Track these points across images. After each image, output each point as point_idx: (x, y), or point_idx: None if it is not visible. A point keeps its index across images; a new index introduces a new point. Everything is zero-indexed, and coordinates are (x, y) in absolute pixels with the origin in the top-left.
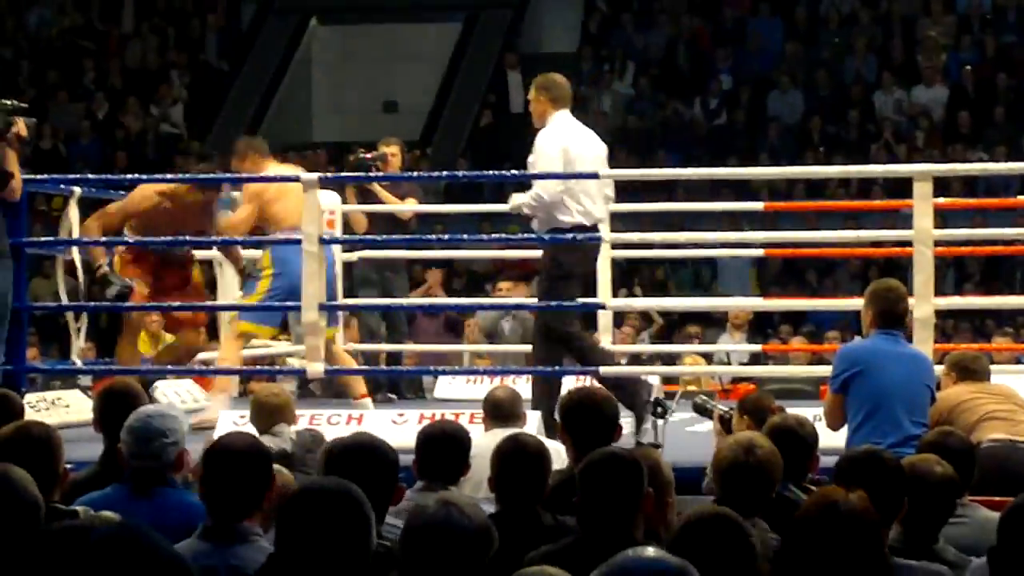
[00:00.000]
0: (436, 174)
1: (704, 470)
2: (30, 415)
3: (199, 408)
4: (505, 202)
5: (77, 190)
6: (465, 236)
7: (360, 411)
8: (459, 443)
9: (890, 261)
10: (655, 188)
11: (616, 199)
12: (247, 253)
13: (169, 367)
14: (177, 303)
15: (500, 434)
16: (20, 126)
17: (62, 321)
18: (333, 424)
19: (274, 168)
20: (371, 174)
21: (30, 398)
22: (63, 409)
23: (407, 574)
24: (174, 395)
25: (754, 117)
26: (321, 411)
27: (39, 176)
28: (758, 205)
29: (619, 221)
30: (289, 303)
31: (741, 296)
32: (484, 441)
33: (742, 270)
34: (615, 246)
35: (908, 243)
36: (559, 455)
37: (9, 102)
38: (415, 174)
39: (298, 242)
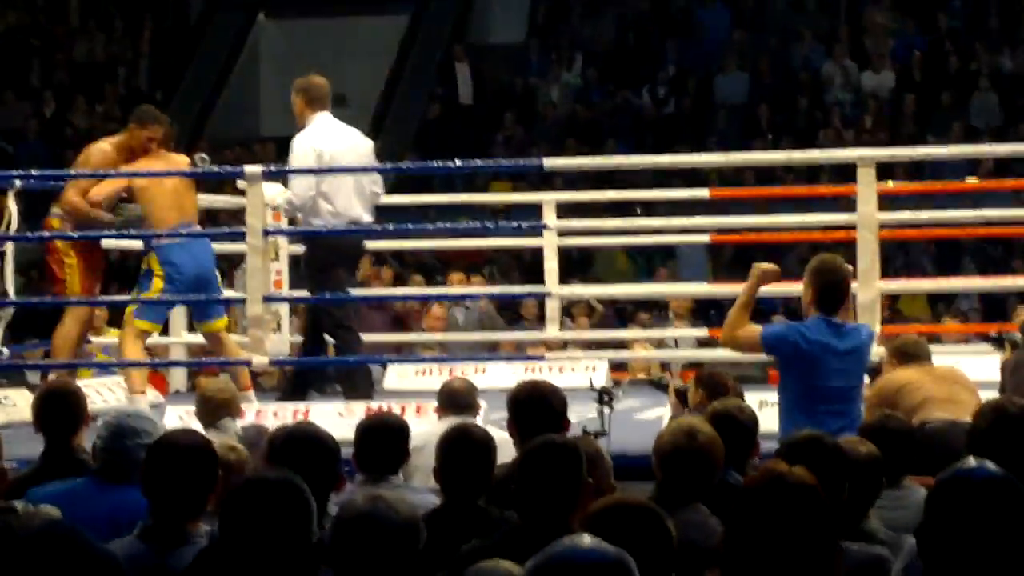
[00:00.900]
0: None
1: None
2: None
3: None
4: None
5: (16, 184)
6: (410, 225)
7: (307, 404)
8: (397, 434)
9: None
10: (604, 179)
11: (565, 189)
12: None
13: (104, 362)
14: (108, 298)
15: (453, 423)
16: None
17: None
18: (278, 418)
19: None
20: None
21: None
22: (9, 407)
23: (336, 566)
24: (96, 394)
25: (702, 105)
26: (266, 405)
27: None
28: (704, 192)
29: (570, 211)
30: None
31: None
32: (437, 430)
33: (699, 258)
34: (562, 234)
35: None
36: (509, 447)
37: None
38: (356, 167)
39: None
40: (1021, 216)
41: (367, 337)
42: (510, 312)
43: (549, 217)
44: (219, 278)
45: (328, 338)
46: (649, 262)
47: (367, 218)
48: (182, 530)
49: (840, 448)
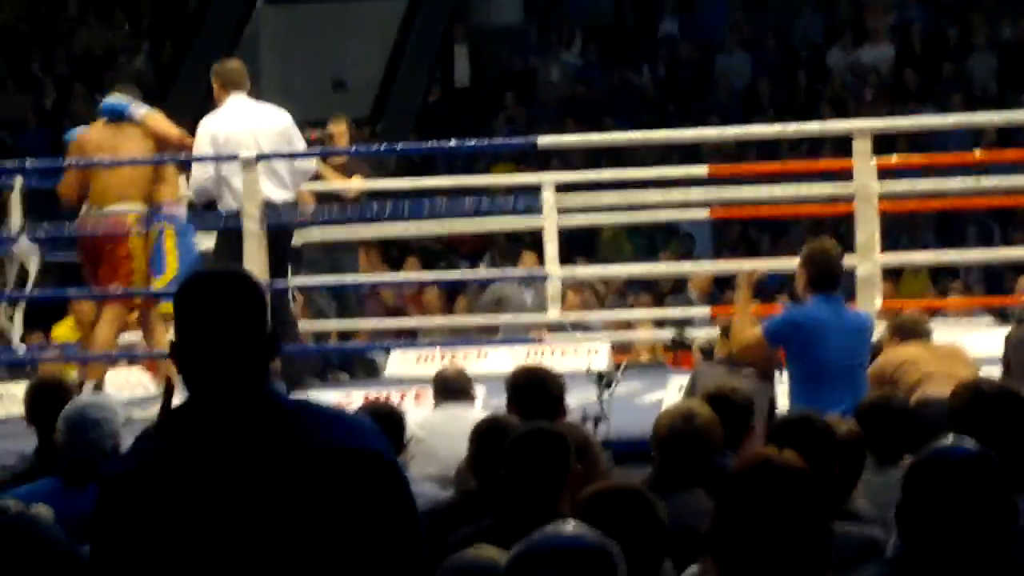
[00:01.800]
0: (374, 148)
1: None
2: None
3: (149, 397)
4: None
5: (19, 179)
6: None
7: (306, 393)
8: (393, 423)
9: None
10: (604, 158)
11: (565, 168)
12: None
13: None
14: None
15: (449, 410)
16: None
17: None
18: None
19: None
20: (309, 151)
21: None
22: (8, 401)
23: None
24: (123, 385)
25: (702, 82)
26: None
27: None
28: (703, 169)
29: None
30: None
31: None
32: (433, 417)
33: (703, 239)
34: (561, 212)
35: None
36: None
37: None
38: (353, 148)
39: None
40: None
41: (370, 323)
42: None
43: (548, 196)
44: None
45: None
46: (651, 243)
47: (279, 197)
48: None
49: (830, 428)
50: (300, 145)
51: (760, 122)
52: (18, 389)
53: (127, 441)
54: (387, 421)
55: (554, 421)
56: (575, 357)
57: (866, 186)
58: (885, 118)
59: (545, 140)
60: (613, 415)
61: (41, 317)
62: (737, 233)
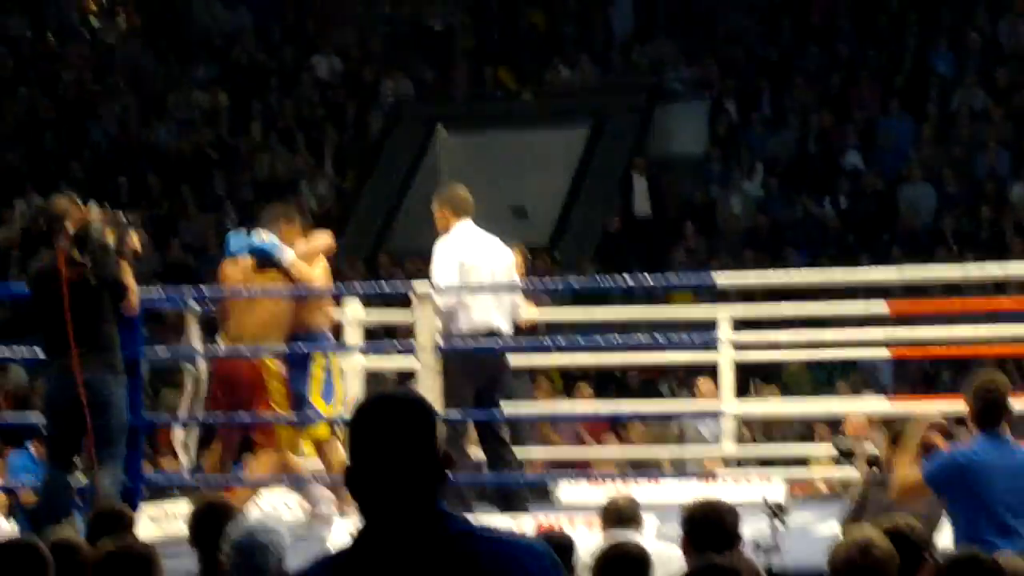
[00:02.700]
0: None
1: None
2: (148, 527)
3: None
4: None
5: (194, 306)
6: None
7: (481, 518)
8: (563, 551)
9: None
10: (782, 290)
11: (743, 298)
12: None
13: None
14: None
15: (617, 538)
16: (134, 240)
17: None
18: None
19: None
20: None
21: (150, 510)
22: (180, 521)
23: None
24: (280, 506)
25: (885, 214)
26: None
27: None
28: (883, 306)
29: (746, 325)
30: None
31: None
32: (600, 546)
33: (884, 372)
34: (738, 348)
35: None
36: (670, 562)
37: (124, 218)
38: (529, 284)
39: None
40: None
41: (545, 452)
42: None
43: (724, 331)
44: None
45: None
46: (830, 375)
47: (506, 329)
48: None
49: (999, 567)
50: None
51: (943, 256)
52: (176, 508)
53: (292, 563)
54: (557, 548)
55: (728, 554)
56: (750, 488)
57: None
58: None
59: (722, 278)
60: (786, 546)
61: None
62: (917, 368)
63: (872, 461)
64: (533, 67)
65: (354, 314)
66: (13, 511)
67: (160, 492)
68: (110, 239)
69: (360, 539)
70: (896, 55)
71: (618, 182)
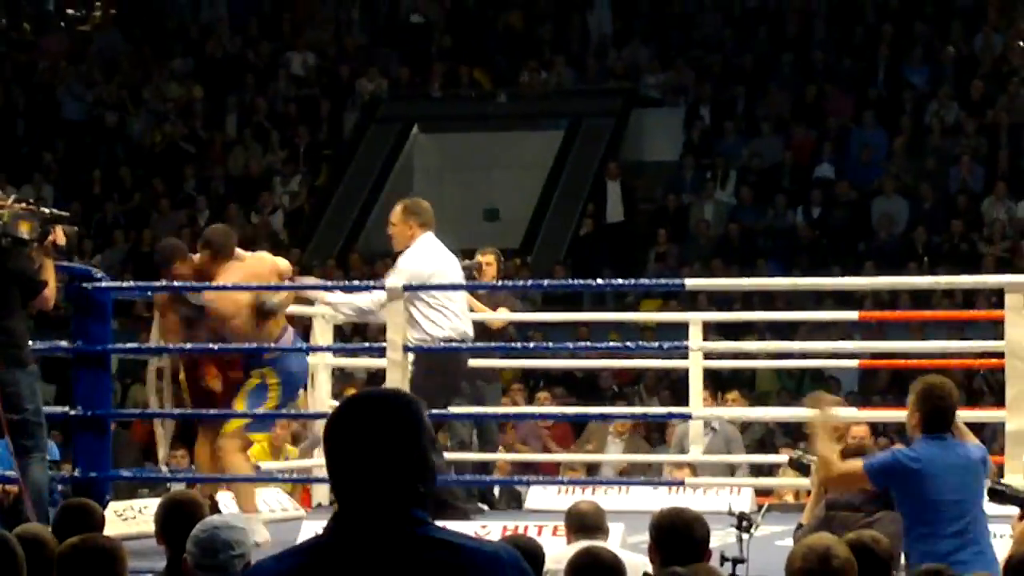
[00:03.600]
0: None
1: None
2: (116, 523)
3: (290, 518)
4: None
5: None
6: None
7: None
8: (530, 558)
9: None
10: (756, 295)
11: (713, 309)
12: None
13: (254, 476)
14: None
15: (583, 546)
16: (58, 234)
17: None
18: None
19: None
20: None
21: (117, 506)
22: (149, 518)
23: None
24: (263, 504)
25: (857, 225)
26: None
27: (124, 284)
28: (853, 315)
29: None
30: None
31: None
32: (567, 553)
33: (850, 381)
34: (707, 356)
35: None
36: (635, 571)
37: (47, 211)
38: (501, 283)
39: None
40: None
41: (515, 456)
42: (657, 434)
43: (695, 337)
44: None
45: None
46: (799, 384)
47: (471, 334)
48: None
49: None
50: None
51: (914, 269)
52: (146, 505)
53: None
54: (524, 554)
55: (696, 564)
56: (716, 497)
57: (1018, 341)
58: None
59: (693, 282)
60: (753, 556)
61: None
62: (886, 377)
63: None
64: (509, 69)
65: (324, 313)
66: None
67: (130, 490)
68: (23, 231)
69: (328, 534)
70: (871, 66)
71: (591, 186)
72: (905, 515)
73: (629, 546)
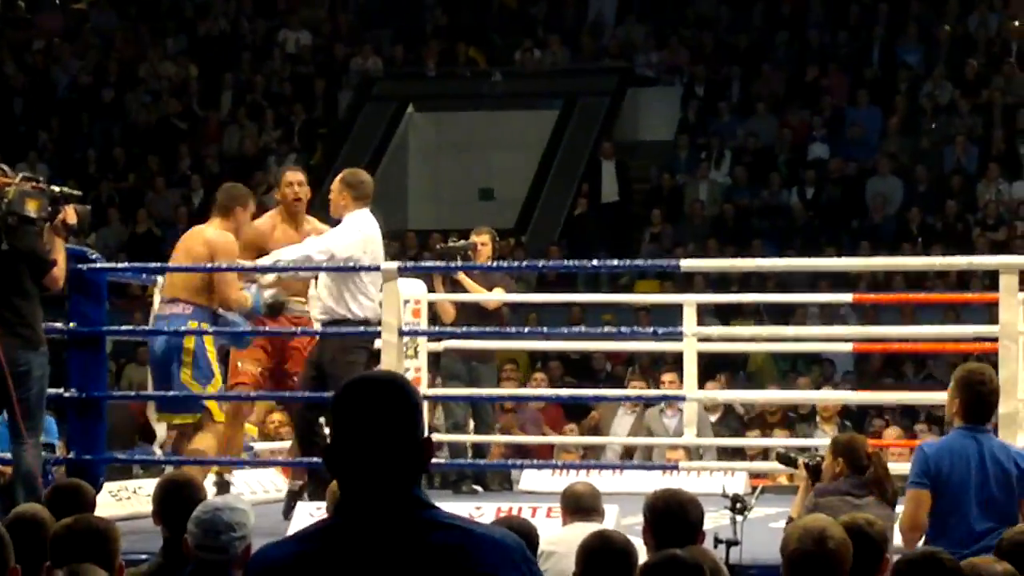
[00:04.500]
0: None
1: None
2: (110, 504)
3: (279, 499)
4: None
5: (160, 279)
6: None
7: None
8: (524, 539)
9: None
10: (752, 275)
11: (707, 291)
12: None
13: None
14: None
15: (578, 527)
16: (68, 213)
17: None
18: None
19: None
20: (453, 264)
21: (111, 487)
22: (144, 498)
23: None
24: (254, 483)
25: (852, 206)
26: None
27: (119, 265)
28: (847, 297)
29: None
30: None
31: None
32: (562, 535)
33: (846, 363)
34: (701, 339)
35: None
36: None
37: (58, 189)
38: (496, 264)
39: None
40: None
41: (506, 439)
42: None
43: (689, 320)
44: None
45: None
46: (794, 366)
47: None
48: None
49: (957, 566)
50: None
51: (909, 250)
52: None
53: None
54: (518, 535)
55: (690, 547)
56: (711, 479)
57: (1011, 324)
58: None
59: (688, 263)
60: (747, 539)
61: None
62: (880, 360)
63: (810, 465)
64: (504, 48)
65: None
66: None
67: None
68: (31, 209)
69: (333, 519)
70: (865, 46)
71: (586, 166)
72: (936, 506)
73: (623, 528)
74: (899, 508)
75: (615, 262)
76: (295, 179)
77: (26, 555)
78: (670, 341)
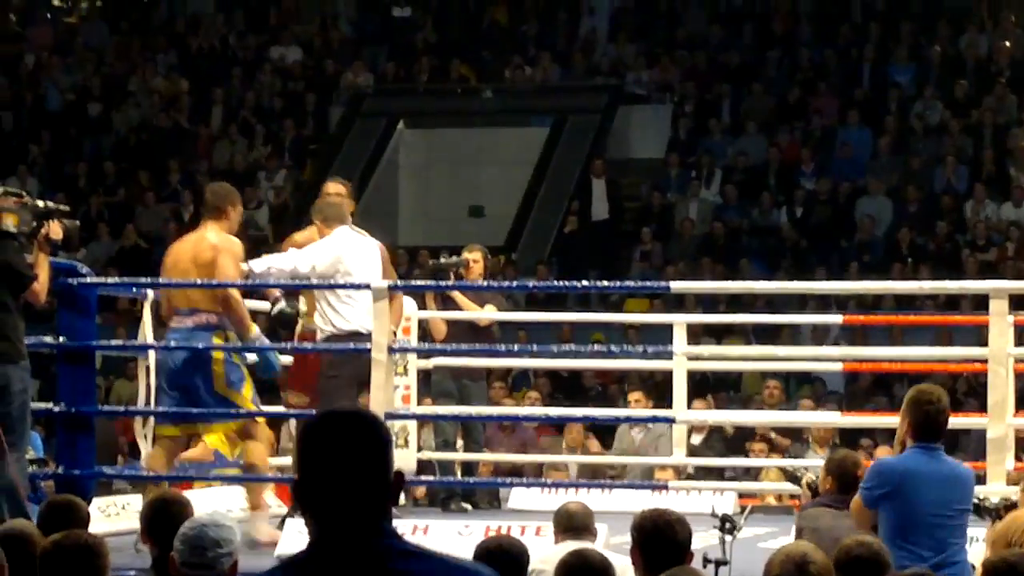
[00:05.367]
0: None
1: None
2: (99, 520)
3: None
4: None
5: (150, 294)
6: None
7: (427, 522)
8: (515, 558)
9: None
10: (739, 298)
11: (696, 311)
12: None
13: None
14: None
15: (570, 546)
16: (53, 228)
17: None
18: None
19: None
20: (444, 283)
21: (100, 503)
22: (133, 514)
23: None
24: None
25: (841, 226)
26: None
27: (109, 280)
28: (837, 319)
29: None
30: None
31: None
32: (553, 553)
33: (836, 384)
34: (690, 358)
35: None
36: (620, 573)
37: (43, 204)
38: (487, 283)
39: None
40: None
41: (496, 457)
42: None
43: (679, 339)
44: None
45: None
46: (786, 384)
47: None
48: None
49: None
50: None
51: (899, 271)
52: (139, 502)
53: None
54: (508, 555)
55: (678, 566)
56: (700, 499)
57: (1000, 349)
58: None
59: (679, 285)
60: (735, 559)
61: None
62: (871, 378)
63: (812, 485)
64: (495, 64)
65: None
66: None
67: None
68: (9, 224)
69: (307, 552)
70: (856, 66)
71: (576, 183)
72: (883, 522)
73: (612, 547)
74: None
75: (605, 284)
76: (335, 190)
77: (15, 571)
78: (660, 360)
